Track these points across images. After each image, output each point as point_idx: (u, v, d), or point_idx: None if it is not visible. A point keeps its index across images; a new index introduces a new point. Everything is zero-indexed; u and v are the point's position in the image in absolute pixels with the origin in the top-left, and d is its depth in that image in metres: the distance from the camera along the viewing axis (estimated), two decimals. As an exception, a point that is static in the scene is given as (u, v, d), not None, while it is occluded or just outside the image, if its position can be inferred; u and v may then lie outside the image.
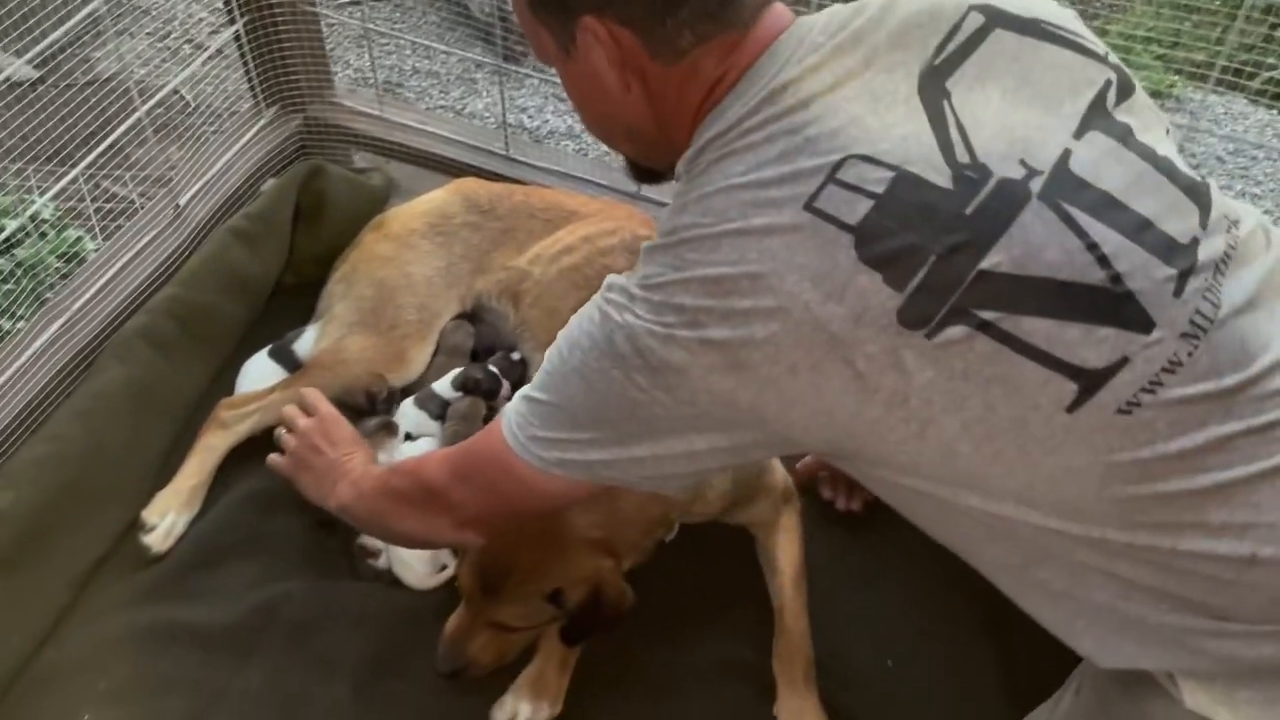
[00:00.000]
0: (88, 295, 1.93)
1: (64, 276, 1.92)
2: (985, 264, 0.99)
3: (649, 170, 1.34)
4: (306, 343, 1.99)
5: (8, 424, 1.76)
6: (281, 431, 1.68)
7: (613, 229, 1.95)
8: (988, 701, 1.60)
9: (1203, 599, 1.04)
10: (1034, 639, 1.64)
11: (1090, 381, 1.00)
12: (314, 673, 1.62)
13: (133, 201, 2.18)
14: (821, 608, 1.66)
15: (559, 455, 1.15)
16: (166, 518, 1.78)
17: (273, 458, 1.67)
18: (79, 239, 2.18)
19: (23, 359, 1.81)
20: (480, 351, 2.03)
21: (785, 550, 1.69)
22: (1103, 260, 1.00)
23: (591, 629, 1.52)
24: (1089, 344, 1.00)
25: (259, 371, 1.98)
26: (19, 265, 2.02)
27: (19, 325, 1.85)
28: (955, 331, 0.99)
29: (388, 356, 1.93)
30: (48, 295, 1.88)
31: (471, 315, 2.05)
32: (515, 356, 1.99)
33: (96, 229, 2.17)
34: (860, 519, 1.83)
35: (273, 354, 1.99)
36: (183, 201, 2.13)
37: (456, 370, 1.92)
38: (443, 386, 1.91)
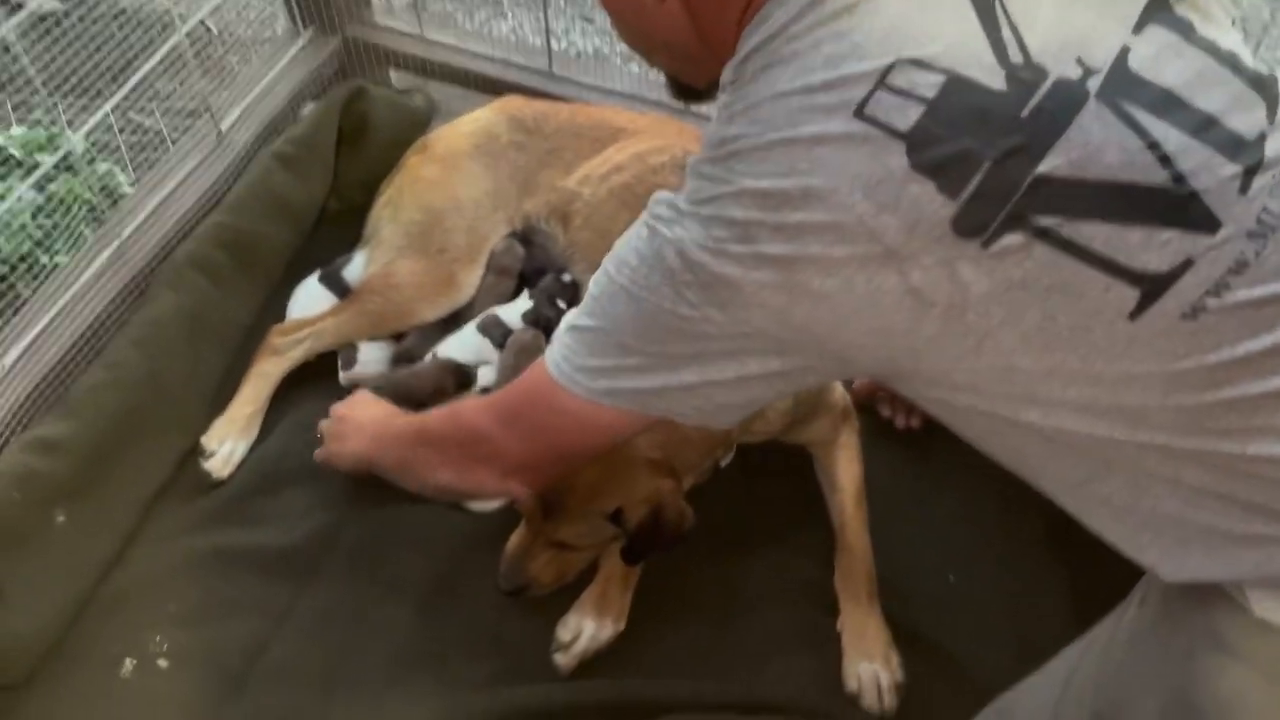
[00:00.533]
0: (136, 223, 1.92)
1: (95, 210, 1.90)
2: (1042, 168, 0.95)
3: (689, 88, 1.30)
4: (355, 268, 1.97)
5: (65, 353, 1.77)
6: (322, 424, 1.70)
7: (662, 146, 1.90)
8: (1050, 615, 1.60)
9: (1272, 504, 1.01)
10: (1096, 552, 1.65)
11: (1153, 287, 0.97)
12: (377, 594, 1.64)
13: (162, 134, 2.15)
14: (881, 525, 1.66)
15: (608, 384, 1.12)
16: (225, 444, 1.80)
17: (317, 453, 1.69)
18: (110, 172, 2.16)
19: (75, 287, 1.81)
20: (530, 274, 2.00)
21: (845, 468, 1.67)
22: (1164, 160, 0.96)
23: (652, 548, 1.52)
24: (1151, 247, 0.96)
25: (309, 297, 1.97)
26: (52, 200, 2.01)
27: (58, 259, 1.85)
28: (1012, 240, 0.95)
29: (437, 280, 1.91)
30: (84, 230, 1.87)
31: (521, 237, 2.02)
32: (566, 279, 1.96)
33: (128, 162, 2.15)
34: (919, 436, 1.82)
35: (322, 279, 1.98)
36: (224, 127, 2.10)
37: (528, 304, 1.89)
38: (510, 315, 1.88)
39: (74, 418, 1.69)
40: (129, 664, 1.58)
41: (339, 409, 1.66)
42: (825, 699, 1.51)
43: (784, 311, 1.01)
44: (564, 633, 1.57)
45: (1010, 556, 1.67)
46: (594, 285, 1.14)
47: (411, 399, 1.75)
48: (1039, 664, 1.38)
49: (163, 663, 1.58)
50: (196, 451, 1.78)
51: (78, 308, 1.80)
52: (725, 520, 1.65)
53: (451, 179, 1.97)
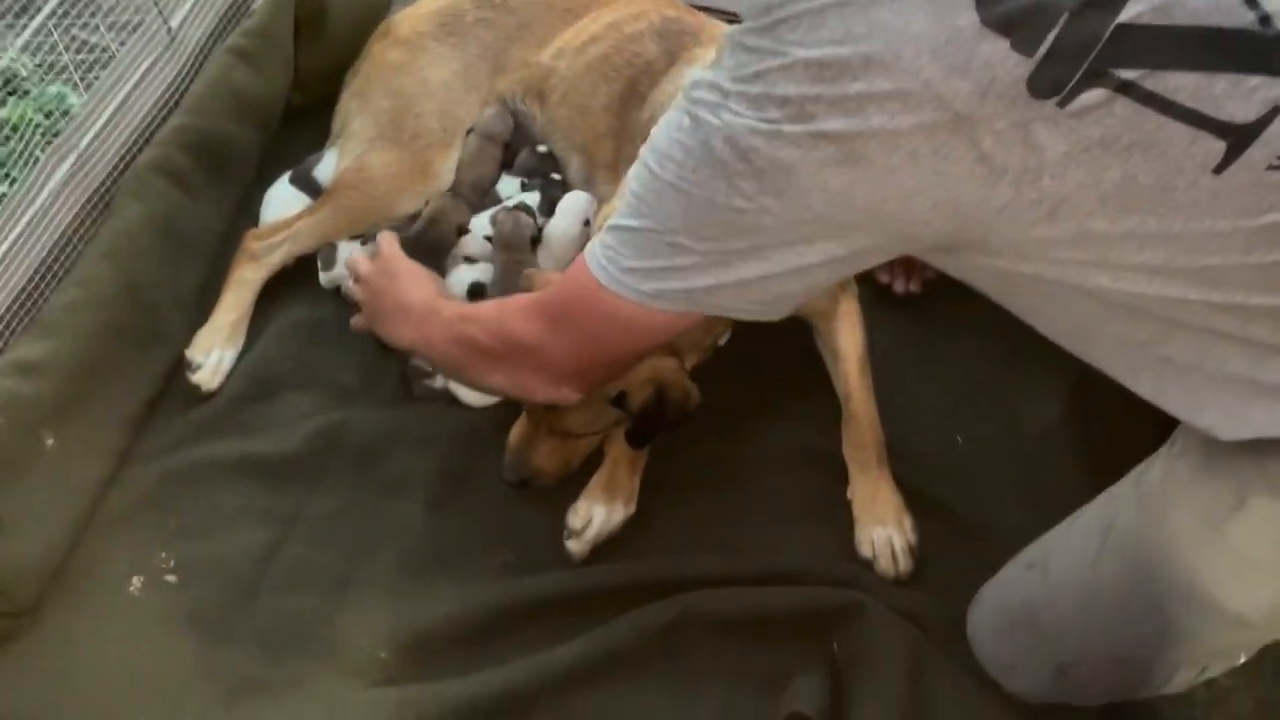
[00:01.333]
0: (93, 132, 1.82)
1: (48, 135, 1.81)
2: (1124, 16, 0.89)
3: None
4: (327, 166, 1.90)
5: (34, 273, 1.70)
6: (349, 284, 1.59)
7: (638, 13, 1.82)
8: (1060, 473, 1.59)
9: None
10: (1104, 408, 1.65)
11: (1239, 138, 0.92)
12: (384, 493, 1.63)
13: (109, 49, 2.04)
14: (886, 391, 1.63)
15: (658, 285, 1.07)
16: (211, 355, 1.75)
17: (354, 319, 1.57)
18: (61, 94, 2.06)
19: (39, 202, 1.73)
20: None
21: (847, 337, 1.64)
22: (1249, 1, 0.91)
23: (657, 429, 1.50)
24: (1238, 96, 0.91)
25: (281, 200, 1.90)
26: (5, 125, 1.91)
27: (15, 189, 1.76)
28: (1092, 96, 0.90)
29: (413, 170, 1.84)
30: (39, 155, 1.79)
31: (495, 119, 1.94)
32: (542, 149, 1.90)
33: (78, 82, 2.04)
34: (919, 300, 1.78)
35: (294, 180, 1.91)
36: (174, 24, 1.98)
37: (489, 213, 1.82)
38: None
39: (51, 337, 1.63)
40: (137, 582, 1.57)
41: (373, 275, 1.48)
42: (839, 566, 1.51)
43: (846, 193, 0.95)
44: (575, 519, 1.56)
45: (1018, 416, 1.66)
46: (634, 182, 1.07)
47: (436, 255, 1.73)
48: (1050, 521, 1.38)
49: (171, 578, 1.57)
50: (183, 365, 1.74)
51: (41, 225, 1.72)
52: (726, 396, 1.62)
53: (418, 62, 1.88)
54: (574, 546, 1.55)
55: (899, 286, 1.78)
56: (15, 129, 1.88)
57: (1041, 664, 1.30)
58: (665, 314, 1.10)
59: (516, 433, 1.54)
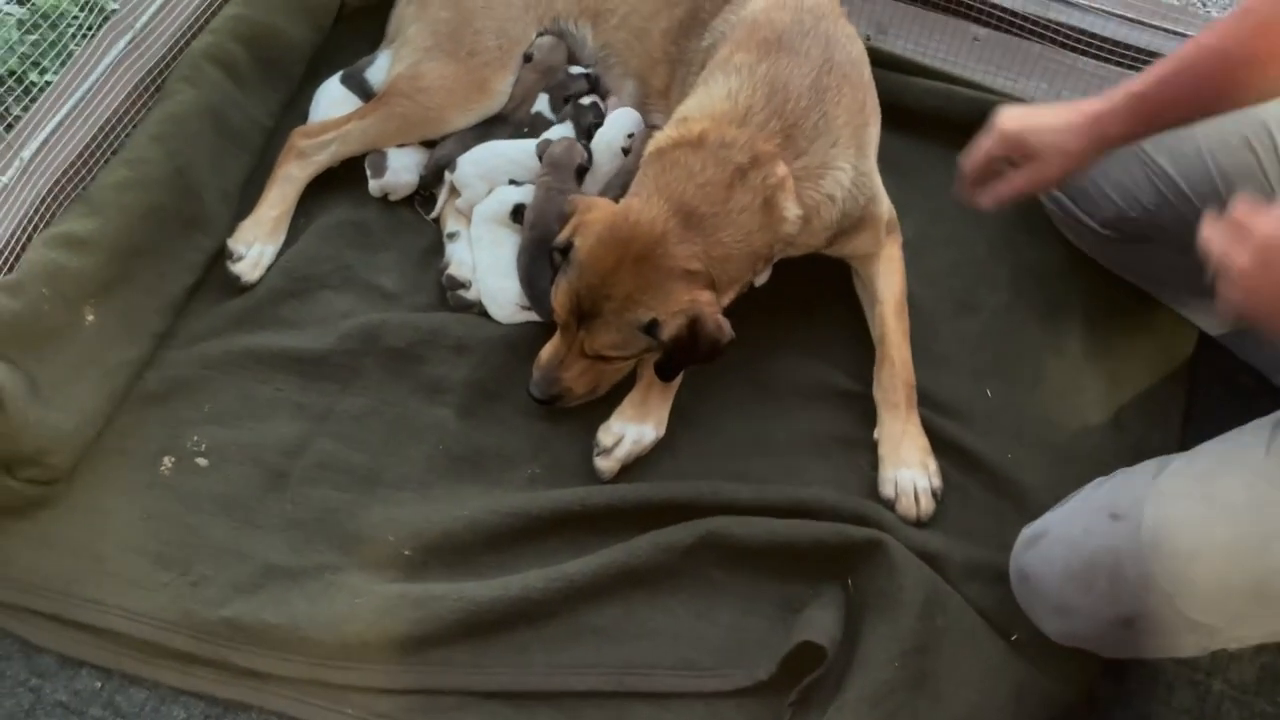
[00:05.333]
0: (151, 9, 1.82)
1: (83, 27, 1.79)
2: None
3: None
4: (379, 69, 1.90)
5: (84, 148, 1.70)
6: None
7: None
8: (1087, 427, 1.62)
9: None
10: (1132, 365, 1.68)
11: None
12: (417, 397, 1.64)
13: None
14: (919, 340, 1.65)
15: None
16: (253, 248, 1.76)
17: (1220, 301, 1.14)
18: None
19: (92, 78, 1.73)
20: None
21: (887, 280, 1.66)
22: None
23: (687, 362, 1.52)
24: None
25: (330, 100, 1.90)
26: (39, 14, 1.89)
27: (48, 78, 1.75)
28: None
29: (468, 86, 1.84)
30: (73, 48, 1.77)
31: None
32: (574, 70, 1.89)
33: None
34: (959, 244, 1.78)
35: (345, 80, 1.91)
36: (233, -86, 1.97)
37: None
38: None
39: (98, 215, 1.64)
40: (168, 462, 1.59)
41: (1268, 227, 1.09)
42: (859, 504, 1.53)
43: None
44: (606, 437, 1.58)
45: (1047, 375, 1.68)
46: None
47: None
48: (1072, 479, 1.41)
49: (201, 461, 1.59)
50: (225, 255, 1.75)
51: (95, 100, 1.73)
52: (761, 332, 1.64)
53: (480, -26, 1.87)
54: (603, 464, 1.57)
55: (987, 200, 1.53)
56: (47, 18, 1.86)
57: (1109, 613, 1.29)
58: None
59: (548, 351, 1.56)
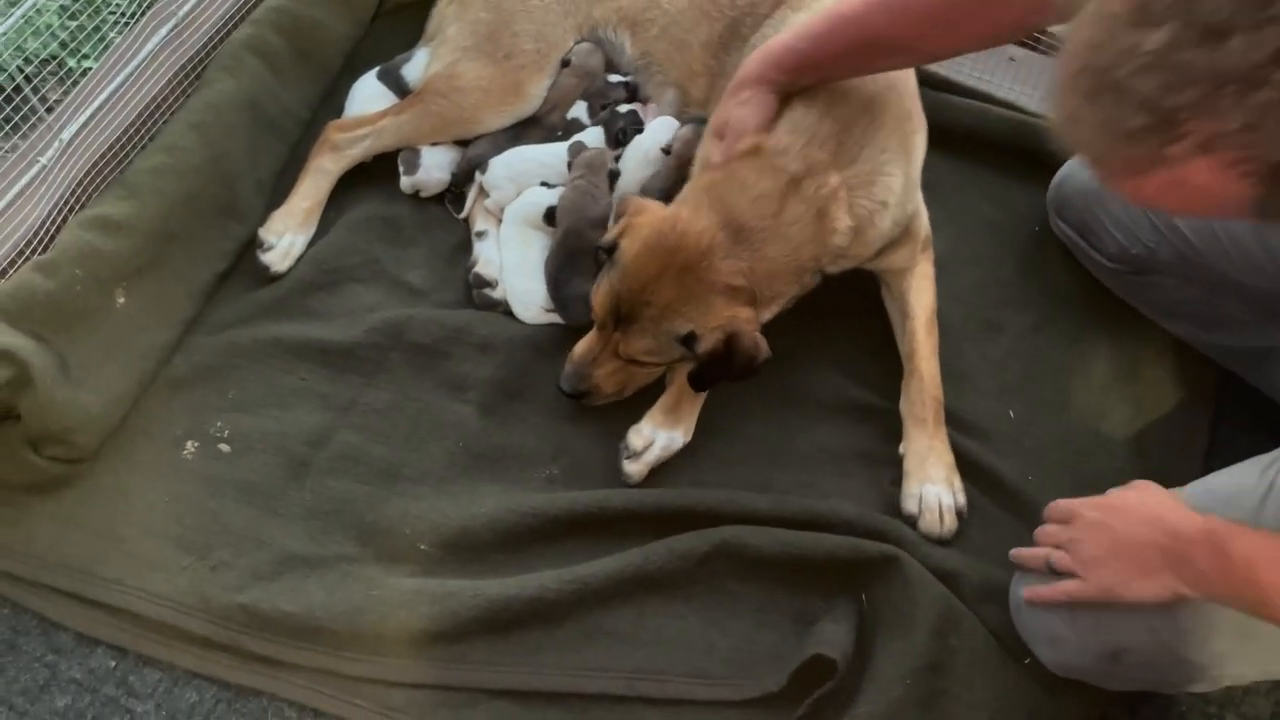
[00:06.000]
0: (192, 0, 1.83)
1: (124, 16, 1.81)
2: None
3: None
4: (416, 66, 1.91)
5: (123, 133, 1.73)
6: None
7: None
8: (1109, 457, 1.61)
9: None
10: (1157, 390, 1.67)
11: None
12: (440, 393, 1.65)
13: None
14: (946, 358, 1.65)
15: None
16: (284, 238, 1.77)
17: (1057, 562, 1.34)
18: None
19: (133, 65, 1.75)
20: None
21: (919, 296, 1.65)
22: None
23: (721, 377, 1.51)
24: None
25: (367, 94, 1.91)
26: (81, 0, 1.91)
27: (87, 65, 1.76)
28: None
29: (504, 88, 1.85)
30: (113, 34, 1.79)
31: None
32: (613, 79, 1.89)
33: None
34: (987, 265, 1.78)
35: (381, 76, 1.92)
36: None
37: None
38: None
39: (134, 199, 1.66)
40: (191, 446, 1.60)
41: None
42: (879, 520, 1.53)
43: None
44: (637, 440, 1.57)
45: (1071, 400, 1.67)
46: None
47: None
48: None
49: (224, 447, 1.60)
50: (255, 244, 1.76)
51: (135, 86, 1.75)
52: (789, 344, 1.63)
53: (520, -23, 1.88)
54: (632, 467, 1.57)
55: None
56: (90, 3, 1.88)
57: (1095, 645, 1.30)
58: None
59: (582, 347, 1.56)
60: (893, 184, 1.54)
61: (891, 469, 1.59)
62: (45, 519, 1.51)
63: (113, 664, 1.45)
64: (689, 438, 1.60)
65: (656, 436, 1.57)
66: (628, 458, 1.57)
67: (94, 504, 1.53)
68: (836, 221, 1.49)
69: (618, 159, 1.79)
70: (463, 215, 1.85)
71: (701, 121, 1.72)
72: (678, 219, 1.46)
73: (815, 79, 1.51)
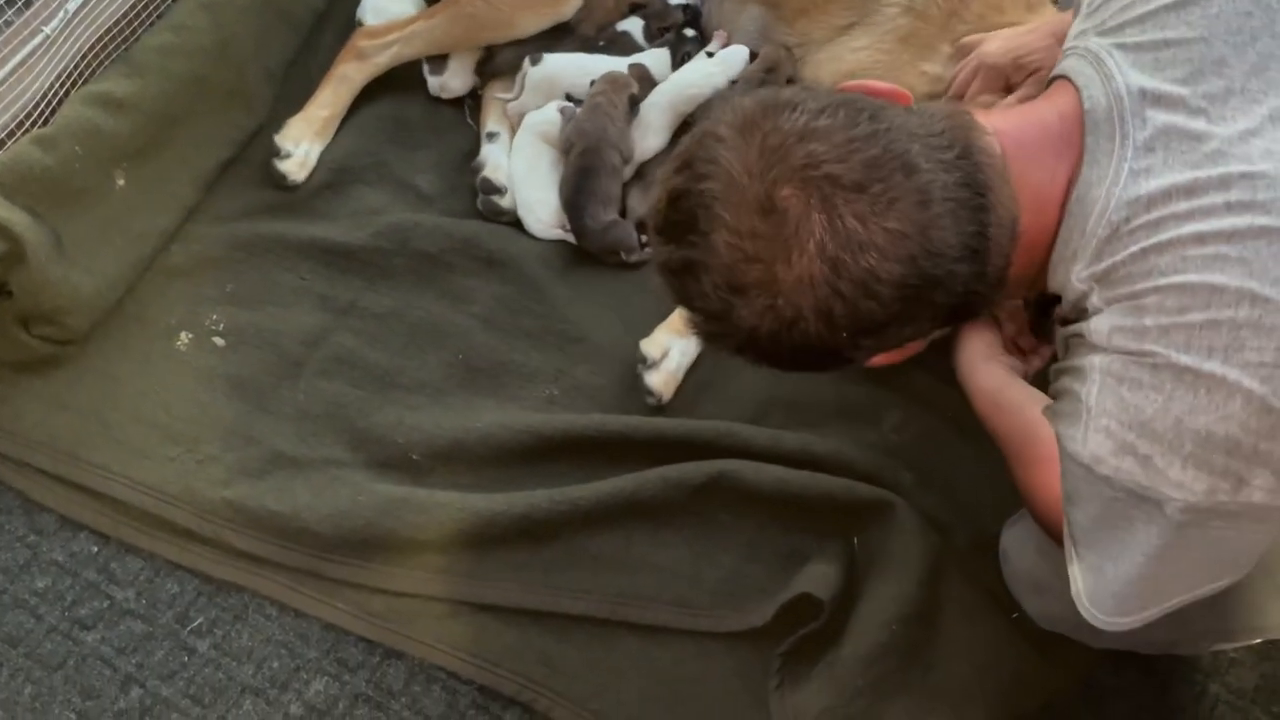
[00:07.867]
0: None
1: None
2: None
3: None
4: (439, -36, 1.83)
5: (130, 7, 1.66)
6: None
7: None
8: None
9: None
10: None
11: None
12: (442, 303, 1.62)
13: None
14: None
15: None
16: (301, 146, 1.72)
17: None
18: None
19: (143, -63, 1.68)
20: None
21: None
22: None
23: None
24: None
25: (392, -4, 1.84)
26: None
27: None
28: None
29: None
30: None
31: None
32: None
33: None
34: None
35: (400, -29, 1.85)
36: None
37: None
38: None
39: (138, 77, 1.61)
40: (185, 337, 1.57)
41: None
42: (876, 462, 1.49)
43: None
44: (653, 348, 1.54)
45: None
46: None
47: None
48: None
49: (219, 340, 1.57)
50: (271, 151, 1.71)
51: (143, -39, 1.68)
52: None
53: None
54: (653, 379, 1.53)
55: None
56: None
57: None
58: None
59: None
60: None
61: (893, 413, 1.56)
62: (33, 398, 1.49)
63: (95, 549, 1.44)
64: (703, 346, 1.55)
65: (673, 343, 1.54)
66: (647, 368, 1.53)
67: (83, 387, 1.51)
68: None
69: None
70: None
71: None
72: None
73: None
